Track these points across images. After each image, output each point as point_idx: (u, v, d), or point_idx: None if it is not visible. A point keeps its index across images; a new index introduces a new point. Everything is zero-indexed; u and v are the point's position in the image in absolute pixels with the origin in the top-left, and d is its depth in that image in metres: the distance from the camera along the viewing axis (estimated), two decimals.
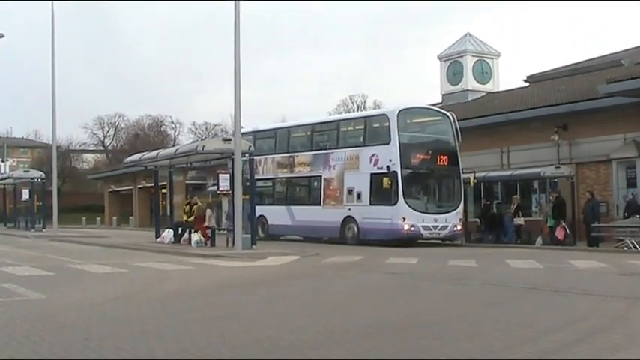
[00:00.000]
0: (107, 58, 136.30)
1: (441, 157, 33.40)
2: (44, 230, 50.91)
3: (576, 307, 12.87)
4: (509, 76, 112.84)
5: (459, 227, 33.53)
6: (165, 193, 38.46)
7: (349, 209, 34.40)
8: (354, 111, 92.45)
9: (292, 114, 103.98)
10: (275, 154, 39.99)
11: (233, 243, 27.79)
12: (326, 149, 36.94)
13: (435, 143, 34.68)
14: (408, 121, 34.21)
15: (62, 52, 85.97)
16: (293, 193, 39.86)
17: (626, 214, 30.39)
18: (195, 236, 31.45)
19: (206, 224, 31.18)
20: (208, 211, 31.45)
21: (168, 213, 35.76)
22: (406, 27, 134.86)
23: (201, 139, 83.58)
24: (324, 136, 38.43)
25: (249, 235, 28.43)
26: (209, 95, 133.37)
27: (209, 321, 11.57)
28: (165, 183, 37.77)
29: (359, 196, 34.00)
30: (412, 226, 31.80)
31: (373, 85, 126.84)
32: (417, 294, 15.43)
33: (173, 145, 79.31)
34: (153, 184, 41.45)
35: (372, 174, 33.17)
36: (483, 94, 47.70)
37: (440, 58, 50.48)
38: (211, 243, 30.58)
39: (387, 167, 31.98)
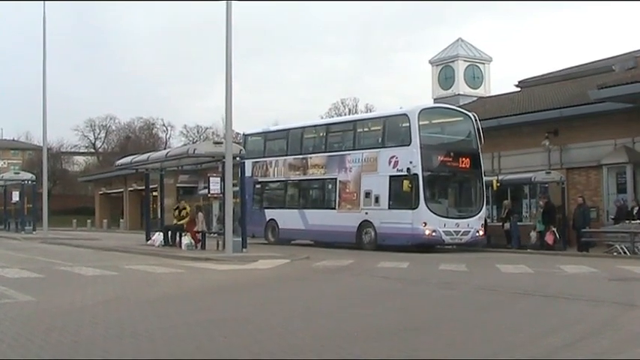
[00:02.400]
0: (99, 60, 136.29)
1: (463, 159, 32.09)
2: (34, 232, 50.79)
3: (566, 313, 12.91)
4: (500, 81, 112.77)
5: (481, 232, 31.78)
6: (156, 196, 38.32)
7: (366, 213, 32.92)
8: (345, 114, 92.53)
9: (284, 117, 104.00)
10: (287, 155, 38.61)
11: (223, 246, 27.71)
12: (342, 150, 35.52)
13: (456, 144, 33.55)
14: (428, 122, 32.82)
15: (53, 54, 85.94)
16: (306, 196, 38.19)
17: (613, 219, 30.48)
18: (186, 239, 31.36)
19: (197, 228, 31.14)
20: (200, 215, 31.41)
21: (159, 216, 35.63)
22: (398, 31, 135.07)
23: (193, 142, 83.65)
24: (339, 137, 37.00)
25: (240, 239, 28.39)
26: (201, 98, 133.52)
27: (199, 325, 11.52)
28: (156, 186, 37.72)
29: (377, 199, 32.52)
30: (433, 231, 30.41)
31: (365, 88, 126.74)
32: (406, 299, 15.41)
33: (164, 148, 79.10)
34: (144, 187, 41.30)
35: (391, 176, 31.77)
36: (475, 98, 47.70)
37: (431, 62, 50.55)
38: (202, 246, 30.56)
39: (408, 169, 30.55)
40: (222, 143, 29.74)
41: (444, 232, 30.65)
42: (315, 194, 38.05)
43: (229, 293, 16.45)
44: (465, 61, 48.96)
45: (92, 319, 11.98)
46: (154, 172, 37.06)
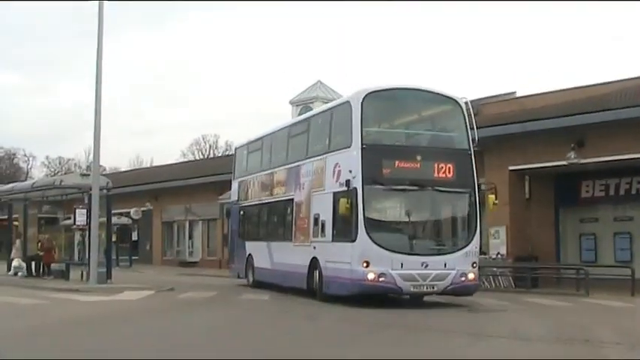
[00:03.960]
0: None
1: (441, 165, 20.35)
2: None
3: (423, 344, 12.94)
4: None
5: (471, 276, 19.98)
6: (17, 226, 37.21)
7: (314, 247, 22.14)
8: (206, 150, 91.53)
9: (148, 156, 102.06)
10: (260, 171, 28.30)
11: (88, 277, 26.87)
12: (296, 161, 24.49)
13: (430, 144, 21.92)
14: (381, 111, 21.85)
15: None
16: (270, 223, 27.60)
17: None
18: (15, 262, 32.38)
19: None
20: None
21: (22, 246, 34.47)
22: (262, 72, 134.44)
23: (55, 174, 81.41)
24: (296, 142, 25.51)
25: (105, 270, 27.58)
26: (63, 129, 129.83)
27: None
28: (17, 215, 36.57)
29: (323, 227, 21.62)
30: (381, 274, 19.21)
31: (227, 123, 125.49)
32: (268, 330, 15.17)
33: (26, 179, 76.89)
34: (6, 217, 40.00)
35: (334, 193, 20.80)
36: None
37: (292, 103, 50.70)
38: (66, 277, 29.59)
39: (347, 182, 19.78)
40: (89, 175, 29.07)
41: (400, 275, 19.27)
42: (277, 221, 26.77)
43: (91, 326, 15.75)
44: (323, 102, 49.22)
45: None
46: (17, 202, 35.85)
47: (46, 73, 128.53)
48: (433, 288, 19.69)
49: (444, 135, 22.14)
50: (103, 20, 26.79)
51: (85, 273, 27.95)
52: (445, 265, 19.68)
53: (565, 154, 27.66)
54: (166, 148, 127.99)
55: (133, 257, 50.16)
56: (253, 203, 28.48)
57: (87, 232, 28.26)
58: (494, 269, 29.03)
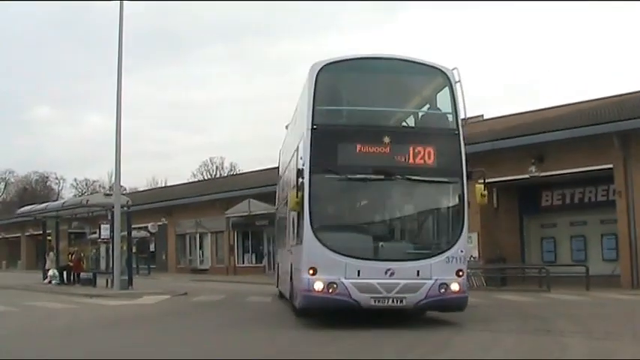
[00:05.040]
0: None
1: (417, 148, 14.47)
2: None
3: (403, 336, 12.97)
4: None
5: (455, 287, 14.12)
6: (50, 240, 37.25)
7: (291, 252, 17.13)
8: (213, 173, 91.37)
9: (163, 176, 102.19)
10: (282, 174, 23.16)
11: (112, 284, 26.83)
12: (288, 157, 19.10)
13: (403, 123, 16.41)
14: (343, 85, 15.99)
15: None
16: (281, 228, 21.67)
17: None
18: (51, 272, 32.59)
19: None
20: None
21: (55, 257, 34.51)
22: (263, 98, 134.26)
23: (82, 194, 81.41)
24: (289, 138, 20.61)
25: (127, 277, 27.51)
26: (88, 155, 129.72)
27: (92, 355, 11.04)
28: (50, 231, 36.60)
29: (292, 228, 16.67)
30: (331, 284, 13.76)
31: (231, 146, 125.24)
32: (269, 329, 15.17)
33: (57, 199, 76.78)
34: (40, 232, 40.16)
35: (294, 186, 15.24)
36: None
37: (286, 127, 50.68)
38: (93, 284, 29.53)
39: (298, 172, 14.67)
40: (111, 195, 29.10)
41: (356, 286, 13.77)
42: (284, 225, 20.13)
43: (116, 325, 15.77)
44: None
45: None
46: (50, 219, 35.95)
47: (75, 106, 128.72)
48: (401, 302, 13.76)
49: (424, 112, 15.98)
50: (122, 58, 26.89)
51: (109, 280, 27.85)
52: (418, 273, 13.75)
53: (527, 168, 27.83)
54: (178, 169, 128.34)
55: (151, 266, 50.22)
56: (279, 207, 23.90)
57: (111, 245, 28.29)
58: (468, 270, 28.98)
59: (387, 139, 14.35)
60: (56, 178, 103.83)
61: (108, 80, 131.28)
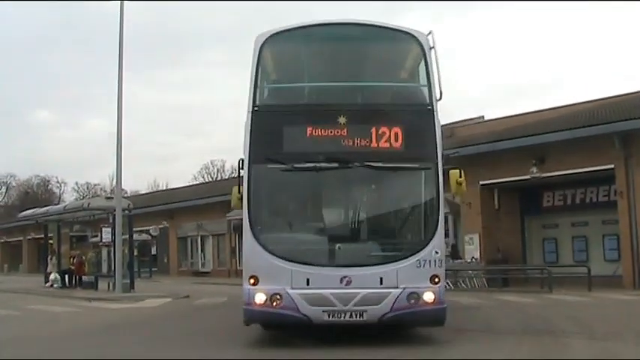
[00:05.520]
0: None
1: (382, 129, 11.87)
2: None
3: (412, 338, 12.95)
4: None
5: (428, 296, 11.46)
6: (52, 243, 37.31)
7: None
8: (215, 175, 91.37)
9: (164, 179, 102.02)
10: None
11: (114, 287, 26.83)
12: None
13: (365, 100, 13.10)
14: (292, 58, 13.86)
15: None
16: None
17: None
18: (52, 275, 32.47)
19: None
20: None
21: (57, 261, 34.55)
22: None
23: (83, 197, 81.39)
24: None
25: (128, 281, 27.53)
26: (89, 158, 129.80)
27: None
28: (52, 234, 36.65)
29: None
30: (275, 296, 11.45)
31: (232, 149, 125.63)
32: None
33: (59, 202, 76.87)
34: (42, 236, 40.19)
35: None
36: None
37: None
38: (95, 287, 29.55)
39: (240, 163, 12.28)
40: (113, 198, 29.15)
41: (305, 297, 11.44)
42: None
43: (121, 330, 15.76)
44: None
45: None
46: (52, 223, 36.01)
47: (76, 109, 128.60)
48: (361, 316, 11.33)
49: (391, 86, 13.34)
50: (123, 61, 26.92)
51: (111, 284, 27.89)
52: (381, 280, 11.33)
53: (528, 169, 27.78)
54: (179, 172, 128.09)
55: (153, 269, 50.10)
56: None
57: (112, 248, 28.31)
58: (470, 272, 29.09)
59: (343, 120, 11.88)
60: (57, 182, 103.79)
61: (108, 83, 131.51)
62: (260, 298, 11.42)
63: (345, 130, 11.79)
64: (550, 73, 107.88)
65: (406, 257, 11.52)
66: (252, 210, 11.77)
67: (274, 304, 11.38)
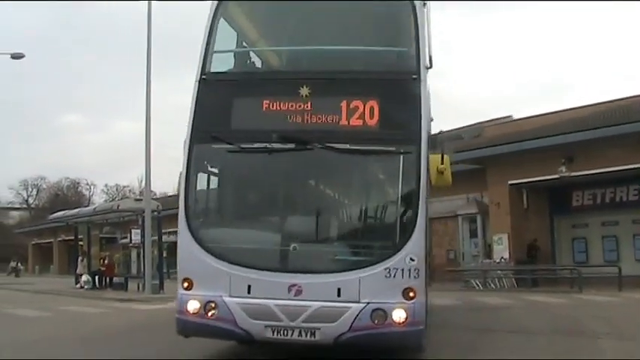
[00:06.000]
0: (31, 125, 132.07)
1: (354, 103, 9.48)
2: None
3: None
4: None
5: (399, 315, 8.94)
6: (82, 245, 37.69)
7: None
8: None
9: None
10: None
11: (144, 288, 27.03)
12: None
13: (336, 66, 10.31)
14: (250, 22, 11.70)
15: None
16: None
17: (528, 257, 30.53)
18: (84, 277, 32.58)
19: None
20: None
21: (87, 262, 34.90)
22: None
23: (113, 199, 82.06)
24: None
25: (158, 282, 27.72)
26: (119, 160, 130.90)
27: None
28: (82, 236, 37.01)
29: None
30: (209, 305, 9.26)
31: None
32: None
33: (88, 204, 77.55)
34: (72, 237, 40.61)
35: None
36: None
37: None
38: (125, 288, 29.79)
39: (185, 144, 9.90)
40: (142, 200, 29.35)
41: (245, 308, 9.19)
42: None
43: (151, 331, 15.88)
44: None
45: (36, 354, 11.45)
46: (82, 224, 36.35)
47: (105, 112, 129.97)
48: (312, 335, 9.05)
49: (367, 50, 10.69)
50: (151, 64, 27.05)
51: (140, 285, 28.10)
52: (339, 292, 9.05)
53: (557, 168, 27.60)
54: None
55: None
56: None
57: (141, 249, 28.52)
58: (499, 272, 29.02)
59: (305, 91, 9.58)
60: (87, 184, 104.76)
61: (137, 86, 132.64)
62: (193, 306, 9.36)
63: (309, 104, 9.55)
64: (578, 72, 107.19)
65: (372, 264, 9.10)
66: (189, 199, 9.69)
67: (209, 314, 9.28)
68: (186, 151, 9.70)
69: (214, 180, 10.32)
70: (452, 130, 47.01)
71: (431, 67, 9.97)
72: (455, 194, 34.10)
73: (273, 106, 9.66)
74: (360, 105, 9.45)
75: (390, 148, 9.53)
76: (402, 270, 8.99)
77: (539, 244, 30.26)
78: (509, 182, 29.79)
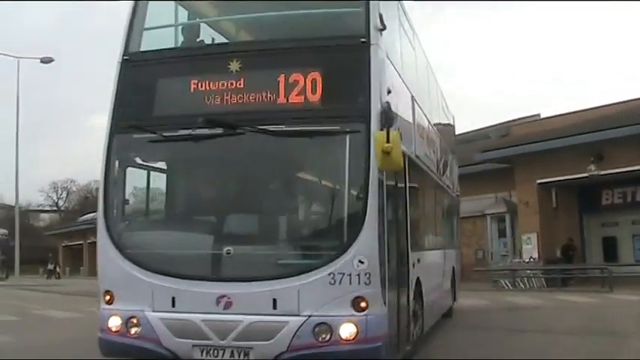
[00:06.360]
0: (58, 132, 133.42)
1: (294, 77, 7.98)
2: (7, 280, 49.89)
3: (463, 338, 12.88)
4: None
5: (349, 330, 7.46)
6: None
7: None
8: None
9: None
10: None
11: None
12: None
13: (273, 35, 9.09)
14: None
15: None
16: None
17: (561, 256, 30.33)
18: None
19: None
20: None
21: None
22: None
23: None
24: None
25: None
26: None
27: None
28: None
29: None
30: (132, 320, 8.02)
31: None
32: None
33: None
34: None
35: None
36: None
37: None
38: None
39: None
40: None
41: (168, 324, 7.86)
42: None
43: None
44: None
45: (64, 355, 11.55)
46: None
47: None
48: (246, 356, 7.71)
49: (305, 14, 8.99)
50: None
51: None
52: (274, 303, 7.65)
53: (586, 167, 27.38)
54: None
55: None
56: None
57: None
58: (528, 272, 28.87)
59: (236, 66, 8.21)
60: None
61: None
62: (114, 322, 8.13)
63: (241, 81, 8.16)
64: (607, 69, 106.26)
65: (314, 268, 7.59)
66: (109, 197, 8.46)
67: (131, 331, 8.03)
68: (106, 142, 8.55)
69: (137, 175, 8.90)
70: (479, 130, 47.05)
71: (384, 28, 8.35)
72: (483, 193, 34.09)
73: (200, 87, 8.31)
74: (301, 78, 8.01)
75: (334, 128, 7.88)
76: (350, 275, 7.48)
77: (576, 244, 30.07)
78: (538, 181, 29.57)
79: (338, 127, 7.86)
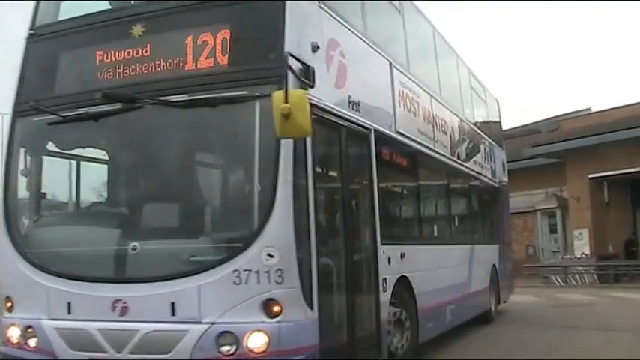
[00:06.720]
0: None
1: (203, 37, 6.75)
2: None
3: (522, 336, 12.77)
4: None
5: (258, 340, 6.07)
6: None
7: None
8: None
9: None
10: None
11: None
12: None
13: None
14: None
15: None
16: None
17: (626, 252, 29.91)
18: None
19: None
20: None
21: None
22: None
23: None
24: None
25: None
26: None
27: None
28: None
29: None
30: (28, 330, 6.93)
31: None
32: None
33: None
34: None
35: None
36: None
37: None
38: None
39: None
40: None
41: (64, 335, 6.70)
42: None
43: None
44: None
45: None
46: None
47: None
48: None
49: None
50: None
51: None
52: (173, 308, 6.32)
53: (638, 161, 26.98)
54: None
55: None
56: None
57: None
58: (580, 268, 28.58)
59: (139, 30, 7.13)
60: None
61: None
62: (13, 332, 7.13)
63: (147, 48, 7.05)
64: None
65: (216, 265, 6.30)
66: (9, 189, 7.48)
67: (29, 342, 7.00)
68: (8, 127, 7.58)
69: (39, 163, 7.68)
70: (528, 125, 46.53)
71: None
72: (534, 189, 33.81)
73: (99, 58, 7.23)
74: (210, 38, 6.78)
75: (241, 93, 6.56)
76: (258, 272, 6.14)
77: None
78: (590, 176, 29.21)
79: (246, 92, 6.54)
